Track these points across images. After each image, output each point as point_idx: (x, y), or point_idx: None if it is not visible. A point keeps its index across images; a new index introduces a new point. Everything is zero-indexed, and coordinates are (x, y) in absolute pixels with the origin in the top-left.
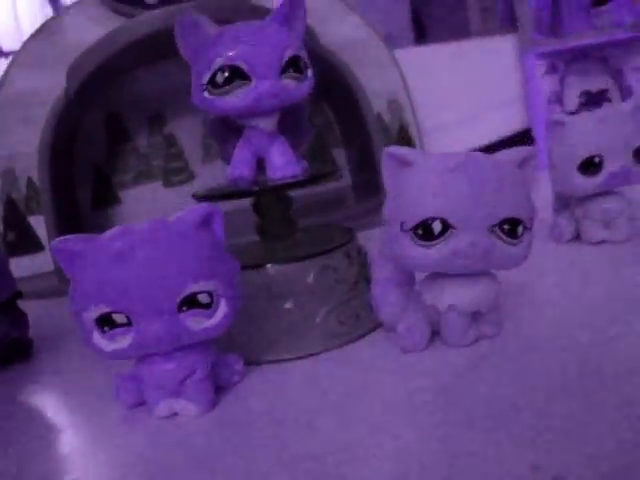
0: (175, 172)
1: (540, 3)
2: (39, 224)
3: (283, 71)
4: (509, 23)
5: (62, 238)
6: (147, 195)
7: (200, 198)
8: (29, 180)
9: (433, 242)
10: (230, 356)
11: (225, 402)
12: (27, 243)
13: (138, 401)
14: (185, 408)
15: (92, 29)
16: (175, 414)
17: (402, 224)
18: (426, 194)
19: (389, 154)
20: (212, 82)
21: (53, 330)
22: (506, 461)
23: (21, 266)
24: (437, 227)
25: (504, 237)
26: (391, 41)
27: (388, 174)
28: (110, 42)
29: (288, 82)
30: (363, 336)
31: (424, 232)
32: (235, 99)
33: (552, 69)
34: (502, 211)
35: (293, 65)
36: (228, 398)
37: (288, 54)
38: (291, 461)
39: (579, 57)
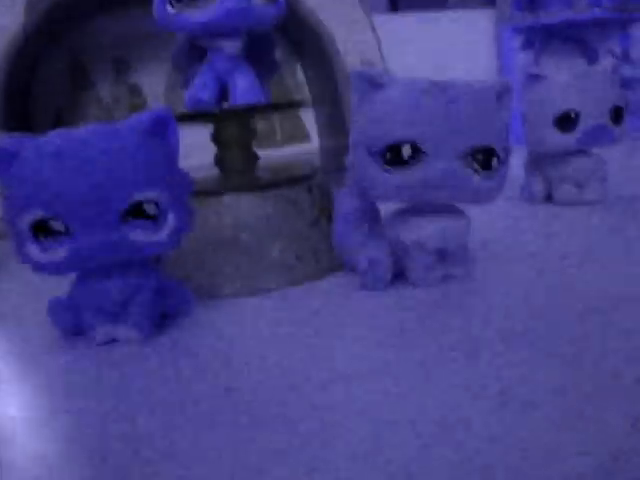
0: None
1: None
2: None
3: None
4: None
5: None
6: None
7: None
8: None
9: (401, 167)
10: (178, 284)
11: (170, 331)
12: None
13: (75, 327)
14: (125, 333)
15: None
16: (114, 341)
17: (370, 148)
18: (396, 116)
19: (358, 75)
20: None
21: None
22: (461, 388)
23: None
24: (407, 151)
25: (477, 167)
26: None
27: (356, 96)
28: None
29: (257, 1)
30: (323, 274)
31: (393, 156)
32: (200, 14)
33: (528, 45)
34: (477, 138)
35: None
36: (174, 327)
37: None
38: (227, 394)
39: (555, 35)
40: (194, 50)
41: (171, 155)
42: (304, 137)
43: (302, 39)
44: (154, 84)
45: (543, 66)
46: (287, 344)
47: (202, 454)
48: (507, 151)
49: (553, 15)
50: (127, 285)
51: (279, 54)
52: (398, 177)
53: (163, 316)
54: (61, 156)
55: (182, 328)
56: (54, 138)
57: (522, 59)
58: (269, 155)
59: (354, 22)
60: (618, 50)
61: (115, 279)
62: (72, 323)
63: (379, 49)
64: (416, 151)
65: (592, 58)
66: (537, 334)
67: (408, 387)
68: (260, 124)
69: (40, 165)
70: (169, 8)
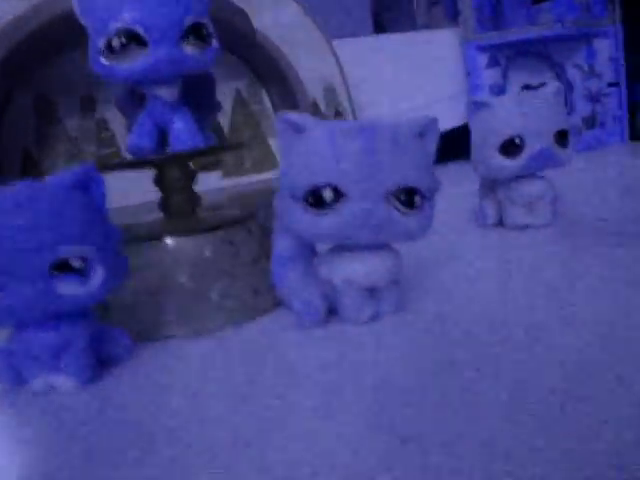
0: (107, 158)
1: None
2: None
3: (183, 38)
4: (453, 17)
5: None
6: None
7: (99, 167)
8: None
9: (324, 210)
10: (116, 329)
11: (109, 377)
12: None
13: (14, 378)
14: (62, 382)
15: (15, 2)
16: (53, 389)
17: (293, 192)
18: (316, 159)
19: (282, 119)
20: (109, 47)
21: None
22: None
23: None
24: (328, 195)
25: (400, 207)
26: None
27: (281, 141)
28: (36, 15)
29: (188, 50)
30: (263, 312)
31: (315, 200)
32: (131, 65)
33: (494, 62)
34: (397, 179)
35: (194, 32)
36: (112, 373)
37: (189, 20)
38: (168, 443)
39: (521, 52)
40: (134, 96)
41: (97, 209)
42: (273, 165)
43: (264, 67)
44: (121, 118)
45: (511, 82)
46: (218, 391)
47: None
48: (432, 189)
49: (517, 32)
50: (61, 334)
51: (244, 83)
52: (321, 220)
53: (101, 362)
54: None
55: (118, 374)
56: None
57: (489, 76)
58: (237, 184)
59: (314, 49)
60: (584, 64)
61: (48, 329)
62: (10, 373)
63: (341, 74)
64: (337, 194)
65: (560, 74)
66: (456, 370)
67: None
68: (228, 156)
69: None
70: (102, 59)
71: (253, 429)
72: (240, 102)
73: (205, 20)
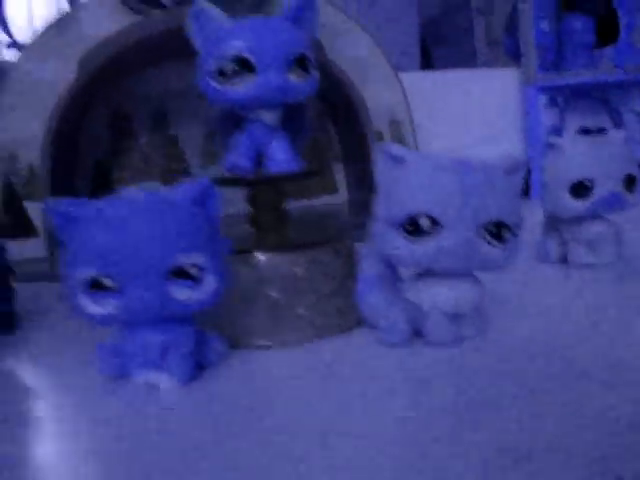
0: (174, 172)
1: (544, 40)
2: (35, 211)
3: (289, 67)
4: (514, 57)
5: (57, 200)
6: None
7: None
8: (30, 166)
9: (420, 238)
10: (214, 336)
11: (204, 379)
12: (22, 228)
13: (119, 372)
14: (165, 380)
15: (106, 24)
16: (153, 386)
17: (391, 219)
18: (416, 190)
19: (383, 151)
20: (220, 71)
21: (40, 309)
22: (473, 446)
23: (14, 250)
24: (425, 223)
25: (490, 239)
26: (398, 65)
27: (381, 170)
28: (122, 38)
29: (293, 78)
30: (346, 330)
31: (412, 228)
32: (240, 90)
33: (552, 103)
34: (489, 213)
35: (299, 63)
36: (208, 376)
37: (295, 52)
38: (259, 437)
39: (580, 95)
40: (232, 117)
41: (212, 221)
42: (333, 190)
43: (333, 97)
44: (190, 135)
45: (568, 125)
46: (308, 395)
47: None
48: (518, 224)
49: (577, 75)
50: (169, 337)
51: (312, 111)
52: (416, 247)
53: (199, 365)
54: (114, 222)
55: (215, 377)
56: (109, 205)
57: (547, 117)
58: (301, 206)
59: (383, 82)
60: None
61: (158, 331)
62: (117, 368)
63: (407, 109)
64: (434, 223)
65: (616, 119)
66: (536, 397)
67: (411, 442)
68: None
69: (97, 229)
70: (213, 83)
71: (329, 432)
72: None
73: (308, 52)
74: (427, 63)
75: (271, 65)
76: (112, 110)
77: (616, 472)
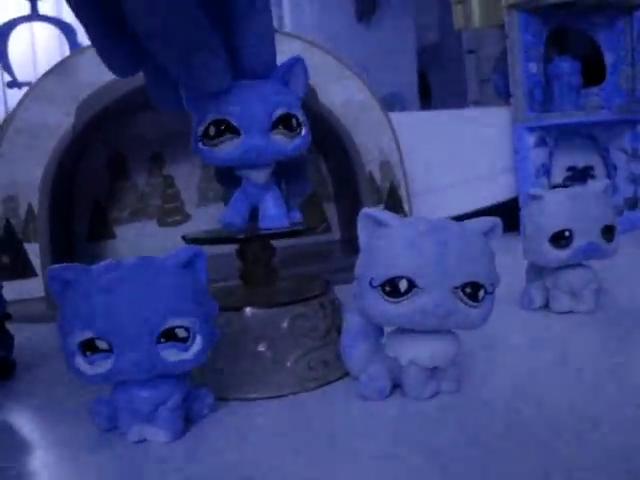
0: (171, 212)
1: (533, 81)
2: (34, 251)
3: (273, 127)
4: (504, 96)
5: (57, 266)
6: (141, 232)
7: (188, 241)
8: (29, 208)
9: (399, 299)
10: (202, 390)
11: (193, 432)
12: (20, 268)
13: (112, 425)
14: (155, 434)
15: (104, 71)
16: (145, 440)
17: (371, 280)
18: (396, 254)
19: (365, 214)
20: (206, 134)
21: (37, 354)
22: None
23: (12, 290)
24: (403, 285)
25: (466, 299)
26: (398, 103)
27: (363, 233)
28: (119, 84)
29: (278, 138)
30: (331, 382)
31: (391, 289)
32: (224, 152)
33: (541, 142)
34: (465, 275)
35: (283, 122)
36: (196, 429)
37: (279, 112)
38: None
39: (568, 134)
40: (229, 174)
41: (201, 285)
42: (326, 229)
43: (324, 138)
44: (186, 175)
45: (557, 162)
46: (287, 446)
47: None
48: (494, 284)
49: (565, 116)
50: (159, 392)
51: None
52: (394, 307)
53: (188, 418)
54: (110, 288)
55: (204, 430)
56: (103, 270)
57: (537, 156)
58: (290, 243)
59: (374, 123)
60: (628, 147)
61: (149, 387)
62: (110, 422)
63: (398, 149)
64: (411, 285)
65: (605, 158)
66: (509, 454)
67: None
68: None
69: (91, 293)
70: (200, 145)
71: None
72: None
73: (295, 111)
74: (426, 92)
75: (253, 126)
76: (109, 151)
77: None
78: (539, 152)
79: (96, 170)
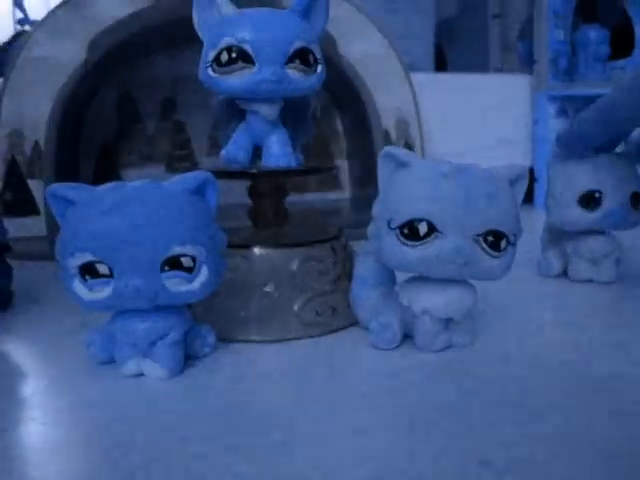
0: (179, 159)
1: (558, 49)
2: (38, 189)
3: (289, 61)
4: (527, 63)
5: (59, 184)
6: (148, 177)
7: None
8: (35, 144)
9: (417, 243)
10: (204, 328)
11: (192, 370)
12: (24, 205)
13: (108, 358)
14: (152, 369)
15: (119, 6)
16: (141, 374)
17: (390, 222)
18: (417, 195)
19: (387, 153)
20: (217, 60)
21: (36, 287)
22: (455, 456)
23: (14, 227)
24: (423, 228)
25: (487, 248)
26: (412, 65)
27: (383, 172)
28: (135, 21)
29: (293, 72)
30: (339, 330)
31: (410, 232)
32: (236, 80)
33: (562, 113)
34: (488, 222)
35: (300, 57)
36: (196, 367)
37: (296, 45)
38: (246, 431)
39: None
40: (233, 108)
41: (210, 214)
42: (337, 186)
43: (341, 92)
44: (197, 123)
45: None
46: (286, 392)
47: None
48: (517, 235)
49: (589, 86)
50: (159, 325)
51: (320, 104)
52: (412, 251)
53: (188, 356)
54: (114, 209)
55: (203, 369)
56: (108, 191)
57: (556, 126)
58: (300, 200)
59: (393, 80)
60: None
61: (148, 320)
62: (107, 355)
63: (416, 110)
64: (431, 229)
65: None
66: (521, 407)
67: (393, 444)
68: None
69: (93, 215)
70: (210, 71)
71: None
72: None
73: (312, 46)
74: (441, 64)
75: (269, 57)
76: (121, 93)
77: None
78: (559, 122)
79: (106, 111)
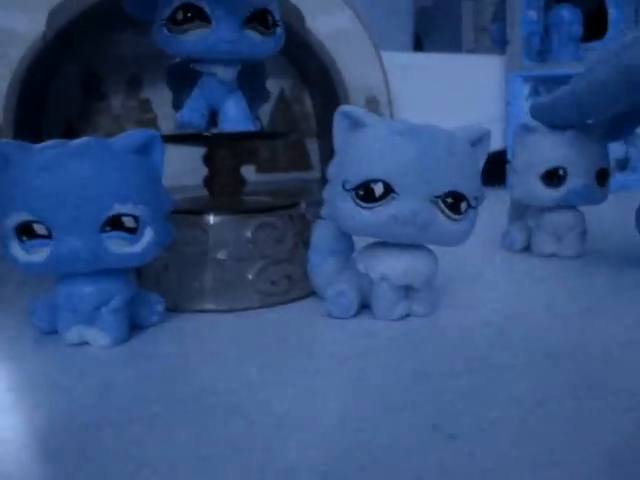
0: None
1: (532, 29)
2: None
3: (248, 22)
4: (500, 44)
5: None
6: None
7: None
8: None
9: (373, 204)
10: (152, 295)
11: (138, 339)
12: None
13: (51, 327)
14: (96, 337)
15: None
16: (86, 343)
17: (344, 183)
18: (372, 155)
19: (342, 112)
20: (172, 19)
21: None
22: (409, 423)
23: None
24: (379, 189)
25: (446, 211)
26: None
27: (338, 133)
28: None
29: (251, 34)
30: (296, 300)
31: (365, 193)
32: (191, 40)
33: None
34: (447, 184)
35: (259, 18)
36: (143, 336)
37: (255, 5)
38: (186, 398)
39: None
40: (186, 72)
41: (155, 174)
42: (307, 166)
43: (310, 69)
44: (164, 101)
45: None
46: (239, 361)
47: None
48: (478, 198)
49: (562, 67)
50: (101, 290)
51: (289, 82)
52: (368, 213)
53: (133, 324)
54: (50, 166)
55: (150, 338)
56: (47, 148)
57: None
58: (270, 180)
59: (363, 58)
60: None
61: (90, 284)
62: (49, 323)
63: (387, 88)
64: (388, 190)
65: None
66: (478, 376)
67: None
68: (264, 150)
69: (30, 172)
70: (165, 30)
71: (252, 395)
72: (283, 100)
73: (272, 7)
74: (418, 47)
75: (226, 17)
76: (84, 69)
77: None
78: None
79: (69, 88)
